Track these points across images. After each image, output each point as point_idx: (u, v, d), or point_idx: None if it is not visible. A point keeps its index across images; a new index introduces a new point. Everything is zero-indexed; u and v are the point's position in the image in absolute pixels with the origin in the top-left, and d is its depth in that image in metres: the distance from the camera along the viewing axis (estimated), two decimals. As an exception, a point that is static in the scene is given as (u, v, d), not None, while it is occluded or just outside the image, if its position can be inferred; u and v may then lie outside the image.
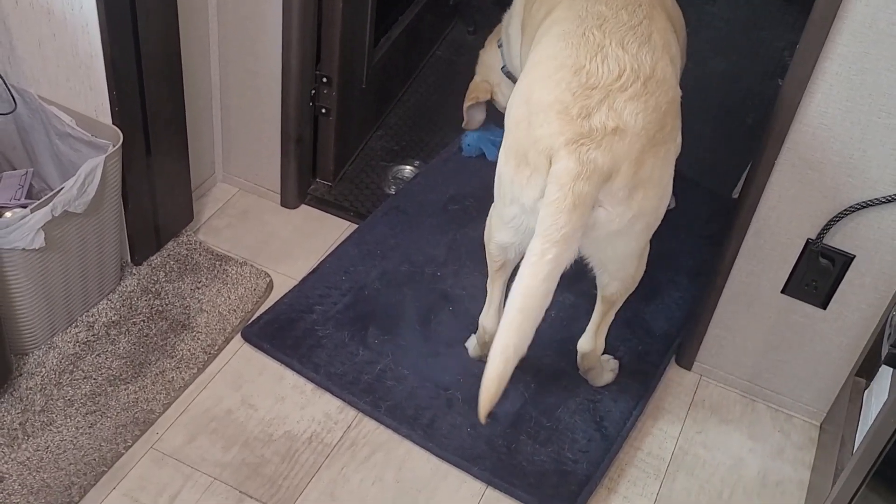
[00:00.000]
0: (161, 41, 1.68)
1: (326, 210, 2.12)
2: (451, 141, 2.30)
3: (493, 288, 1.67)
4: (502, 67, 2.01)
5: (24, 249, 1.51)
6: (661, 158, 1.37)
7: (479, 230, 2.01)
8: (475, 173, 2.19)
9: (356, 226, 2.08)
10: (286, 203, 2.10)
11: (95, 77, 1.62)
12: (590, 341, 1.70)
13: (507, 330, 1.35)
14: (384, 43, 2.23)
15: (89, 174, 1.56)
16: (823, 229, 1.58)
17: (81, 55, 1.61)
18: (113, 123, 1.66)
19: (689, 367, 1.87)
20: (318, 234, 2.07)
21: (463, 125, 2.21)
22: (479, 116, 2.19)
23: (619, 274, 1.56)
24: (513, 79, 1.98)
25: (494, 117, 2.21)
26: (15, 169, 1.79)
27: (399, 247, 2.01)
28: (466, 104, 2.15)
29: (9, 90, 1.64)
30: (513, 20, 1.89)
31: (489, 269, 1.65)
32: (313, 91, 1.99)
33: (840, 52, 1.42)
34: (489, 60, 2.09)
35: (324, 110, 2.03)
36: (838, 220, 1.56)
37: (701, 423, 1.79)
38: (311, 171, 2.13)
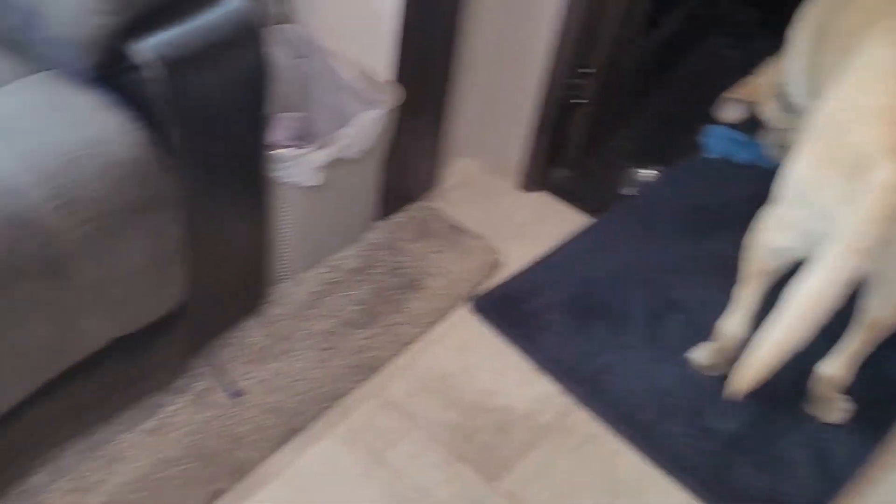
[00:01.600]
0: (448, 9, 1.74)
1: (562, 199, 2.13)
2: (694, 152, 2.27)
3: (746, 294, 1.63)
4: (780, 86, 1.96)
5: (300, 185, 1.61)
6: None
7: (717, 244, 1.99)
8: (718, 186, 2.15)
9: (590, 219, 2.09)
10: (524, 186, 2.13)
11: (386, 35, 1.69)
12: (836, 368, 1.63)
13: (784, 330, 1.34)
14: (646, 43, 2.23)
15: (368, 125, 1.64)
16: None
17: (377, 12, 1.68)
18: (393, 80, 1.73)
19: (927, 424, 1.77)
20: (551, 220, 2.09)
21: (716, 112, 2.16)
22: (736, 113, 2.13)
23: None
24: (784, 100, 1.93)
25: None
26: (291, 112, 1.90)
27: (632, 248, 2.00)
28: (731, 94, 2.10)
29: (303, 38, 1.75)
30: (799, 31, 1.84)
31: (744, 273, 1.62)
32: (573, 79, 2.01)
33: None
34: (774, 71, 2.04)
35: (579, 100, 2.04)
36: None
37: (934, 484, 1.69)
38: (553, 159, 2.15)
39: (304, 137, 1.90)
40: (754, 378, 1.40)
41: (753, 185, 2.10)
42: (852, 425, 1.71)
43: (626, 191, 2.18)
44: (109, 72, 1.25)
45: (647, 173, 2.22)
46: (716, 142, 2.23)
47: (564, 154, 2.15)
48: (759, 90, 2.09)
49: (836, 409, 1.71)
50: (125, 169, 1.22)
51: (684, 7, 2.39)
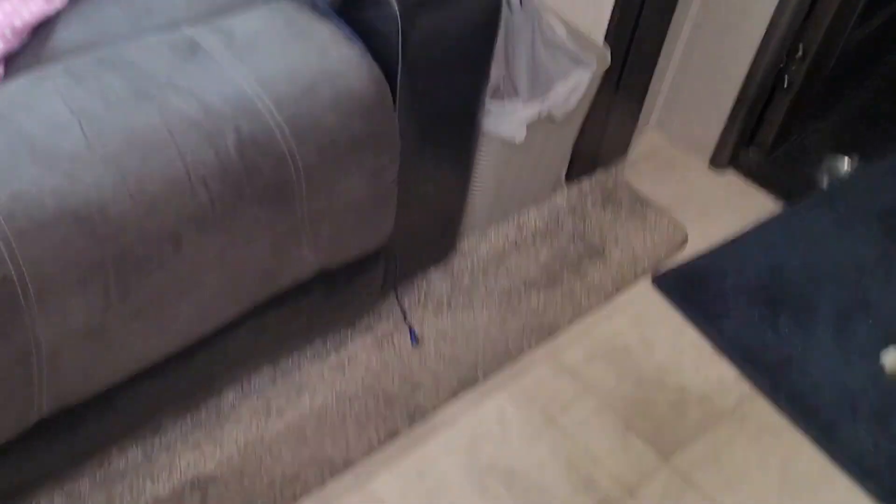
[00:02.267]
0: (669, -25, 1.70)
1: (753, 182, 2.06)
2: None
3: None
4: None
5: (503, 139, 1.60)
6: None
7: (917, 246, 1.89)
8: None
9: (779, 205, 2.01)
10: (714, 164, 2.07)
11: (604, -5, 1.67)
12: None
13: None
14: (859, 32, 2.11)
15: (576, 85, 1.62)
16: None
17: (598, -29, 1.66)
18: (604, 43, 1.70)
19: None
20: (740, 203, 2.03)
21: None
22: None
23: None
24: None
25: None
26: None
27: (825, 242, 1.92)
28: None
29: (517, -9, 1.74)
30: None
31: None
32: (783, 60, 1.92)
33: None
34: None
35: (786, 82, 1.96)
36: None
37: None
38: (748, 141, 2.08)
39: (501, 94, 1.89)
40: None
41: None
42: None
43: (821, 181, 2.08)
44: (346, 5, 1.27)
45: (845, 166, 2.12)
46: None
47: (760, 136, 2.07)
48: None
49: None
50: (358, 103, 1.23)
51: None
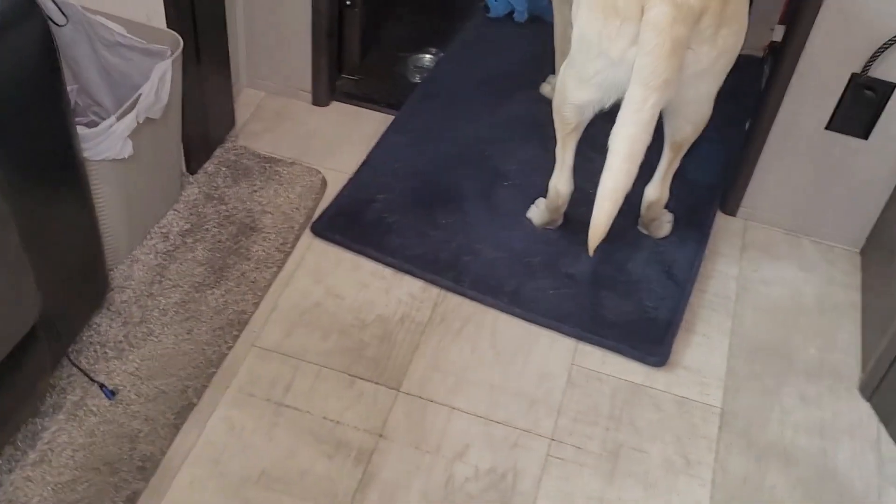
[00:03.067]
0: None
1: (358, 104, 2.13)
2: (465, 27, 2.32)
3: (565, 152, 1.72)
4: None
5: (112, 160, 1.49)
6: None
7: (515, 107, 2.09)
8: (499, 54, 2.23)
9: (391, 116, 2.10)
10: (318, 101, 2.10)
11: (146, -21, 1.58)
12: (657, 190, 1.78)
13: (614, 176, 1.44)
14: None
15: (161, 78, 1.53)
16: (868, 62, 1.67)
17: (129, -43, 1.56)
18: (168, 28, 1.62)
19: (734, 213, 1.98)
20: (356, 127, 2.08)
21: None
22: None
23: (693, 116, 1.63)
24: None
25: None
26: (59, 87, 1.73)
27: (442, 131, 2.04)
28: None
29: (55, 3, 1.58)
30: None
31: (559, 133, 1.70)
32: (337, -17, 1.97)
33: None
34: None
35: (349, 2, 2.01)
36: (883, 52, 1.66)
37: (755, 263, 1.90)
38: (339, 68, 2.12)
39: (83, 111, 1.75)
40: (603, 232, 1.51)
41: (541, 38, 2.18)
42: (680, 232, 1.89)
43: (414, 79, 2.19)
44: None
45: (427, 58, 2.24)
46: (497, 3, 2.28)
47: (348, 59, 2.12)
48: None
49: (665, 224, 1.88)
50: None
51: None
